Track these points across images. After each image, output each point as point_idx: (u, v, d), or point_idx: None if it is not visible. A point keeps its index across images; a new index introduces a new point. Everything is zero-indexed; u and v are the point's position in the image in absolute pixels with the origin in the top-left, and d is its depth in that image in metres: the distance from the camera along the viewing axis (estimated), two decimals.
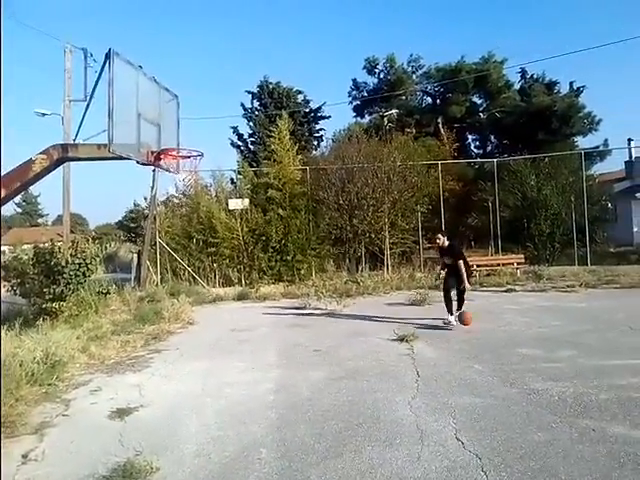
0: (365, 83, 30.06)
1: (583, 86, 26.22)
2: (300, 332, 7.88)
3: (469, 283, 7.85)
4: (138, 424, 4.07)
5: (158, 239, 14.34)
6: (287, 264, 14.56)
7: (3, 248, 15.97)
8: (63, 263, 8.20)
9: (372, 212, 15.11)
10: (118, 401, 4.63)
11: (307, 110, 27.49)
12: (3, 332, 6.42)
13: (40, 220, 61.73)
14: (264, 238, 14.67)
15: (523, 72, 27.75)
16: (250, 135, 27.02)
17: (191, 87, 78.84)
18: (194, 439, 3.71)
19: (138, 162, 7.02)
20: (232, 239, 14.58)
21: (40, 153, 6.56)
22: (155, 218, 14.49)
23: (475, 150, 29.69)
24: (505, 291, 11.66)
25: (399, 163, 15.23)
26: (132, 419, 4.20)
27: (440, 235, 8.07)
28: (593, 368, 5.08)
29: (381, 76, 29.29)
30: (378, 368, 5.46)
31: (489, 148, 29.06)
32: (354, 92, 30.60)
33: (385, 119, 26.21)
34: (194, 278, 14.07)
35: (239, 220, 14.66)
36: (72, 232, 18.07)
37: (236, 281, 14.43)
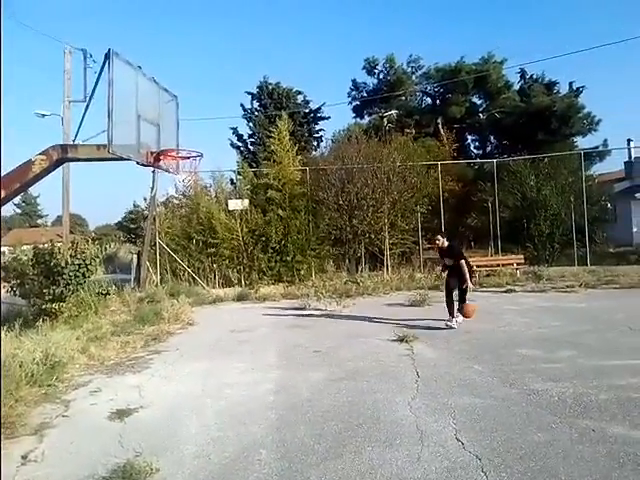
0: (365, 83, 30.16)
1: (583, 86, 26.30)
2: (300, 333, 7.88)
3: (472, 283, 7.75)
4: (138, 425, 4.07)
5: (158, 240, 14.34)
6: (287, 265, 14.56)
7: (3, 249, 15.96)
8: (63, 264, 8.20)
9: (372, 213, 15.12)
10: (118, 402, 4.63)
11: (307, 111, 27.50)
12: (3, 333, 6.43)
13: (40, 221, 61.83)
14: (264, 239, 14.66)
15: (523, 72, 27.83)
16: (250, 136, 27.03)
17: (191, 87, 79.03)
18: (194, 440, 3.71)
19: (138, 163, 7.00)
20: (232, 240, 14.58)
21: (40, 154, 6.54)
22: (155, 219, 14.49)
23: (475, 150, 29.78)
24: (505, 291, 11.66)
25: (399, 164, 15.24)
26: (132, 420, 4.19)
27: (439, 236, 7.99)
28: (593, 368, 5.08)
29: (381, 76, 29.37)
30: (378, 369, 5.45)
31: (489, 148, 29.11)
32: (354, 92, 30.71)
33: (385, 119, 26.22)
34: (194, 279, 14.06)
35: (239, 221, 14.65)
36: (72, 233, 18.09)
37: (236, 282, 14.42)
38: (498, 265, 14.23)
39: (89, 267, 8.60)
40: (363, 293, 12.03)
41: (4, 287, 8.60)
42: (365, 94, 29.99)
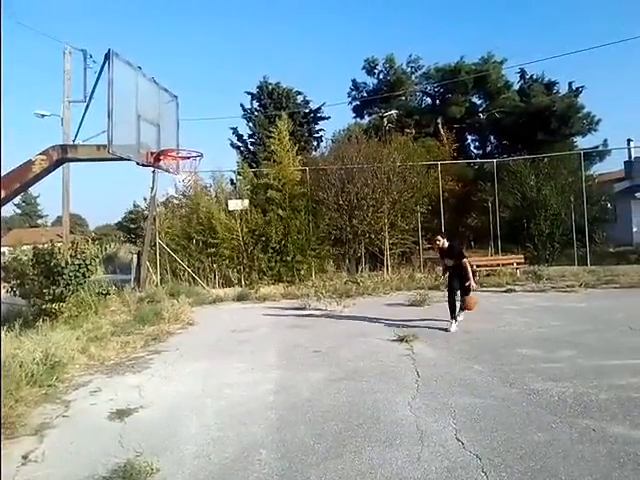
0: (365, 83, 30.16)
1: (582, 86, 26.33)
2: (300, 333, 7.88)
3: (474, 282, 7.61)
4: (138, 425, 4.07)
5: (158, 240, 14.33)
6: (287, 265, 14.55)
7: (3, 249, 15.95)
8: (63, 264, 8.20)
9: (372, 213, 15.11)
10: (118, 402, 4.63)
11: (307, 111, 27.51)
12: (3, 333, 6.43)
13: (40, 221, 61.82)
14: (264, 239, 14.66)
15: (522, 72, 27.84)
16: (250, 136, 27.04)
17: (191, 87, 78.97)
18: (194, 440, 3.71)
19: (138, 163, 7.01)
20: (232, 240, 14.57)
21: (40, 154, 6.55)
22: (155, 219, 14.48)
23: (475, 150, 29.79)
24: (505, 291, 11.65)
25: (399, 164, 15.23)
26: (132, 420, 4.20)
27: (439, 237, 7.89)
28: (593, 368, 5.08)
29: (380, 76, 29.37)
30: (378, 369, 5.45)
31: (489, 148, 29.12)
32: (354, 93, 30.71)
33: (385, 119, 26.22)
34: (194, 279, 14.06)
35: (239, 221, 14.65)
36: (72, 233, 18.08)
37: (236, 282, 14.42)
38: (498, 265, 14.23)
39: (89, 267, 8.60)
40: (363, 293, 12.03)
41: (4, 287, 8.60)
42: (365, 94, 30.00)
